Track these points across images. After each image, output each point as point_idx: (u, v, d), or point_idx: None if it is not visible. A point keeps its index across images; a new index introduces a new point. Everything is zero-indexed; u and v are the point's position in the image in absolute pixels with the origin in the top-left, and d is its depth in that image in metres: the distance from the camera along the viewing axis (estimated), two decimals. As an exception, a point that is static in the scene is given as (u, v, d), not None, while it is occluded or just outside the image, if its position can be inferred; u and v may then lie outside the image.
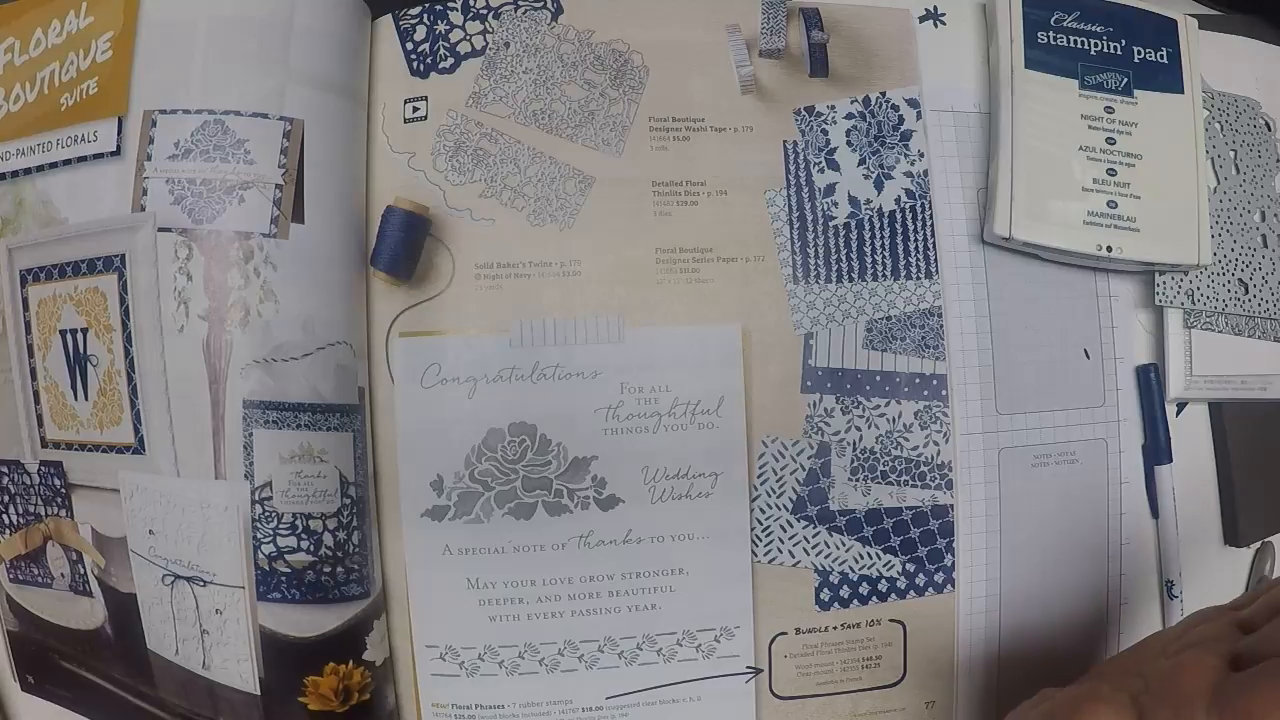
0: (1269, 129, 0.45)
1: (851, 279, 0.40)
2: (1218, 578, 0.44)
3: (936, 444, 0.40)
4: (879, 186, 0.41)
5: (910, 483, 0.40)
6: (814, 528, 0.40)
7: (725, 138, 0.40)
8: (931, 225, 0.41)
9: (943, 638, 0.41)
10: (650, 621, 0.39)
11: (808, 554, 0.40)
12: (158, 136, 0.36)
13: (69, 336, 0.37)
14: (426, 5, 0.40)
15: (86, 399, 0.37)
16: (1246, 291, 0.43)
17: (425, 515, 0.38)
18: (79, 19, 0.37)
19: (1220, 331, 0.43)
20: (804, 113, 0.41)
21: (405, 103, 0.40)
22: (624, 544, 0.39)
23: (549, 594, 0.38)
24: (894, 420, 0.40)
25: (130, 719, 0.39)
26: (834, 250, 0.40)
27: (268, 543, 0.35)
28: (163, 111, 0.36)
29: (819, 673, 0.40)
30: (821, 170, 0.41)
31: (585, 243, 0.39)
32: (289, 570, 0.36)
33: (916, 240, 0.41)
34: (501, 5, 0.40)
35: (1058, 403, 0.42)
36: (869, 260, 0.40)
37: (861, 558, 0.40)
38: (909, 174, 0.41)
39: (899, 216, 0.41)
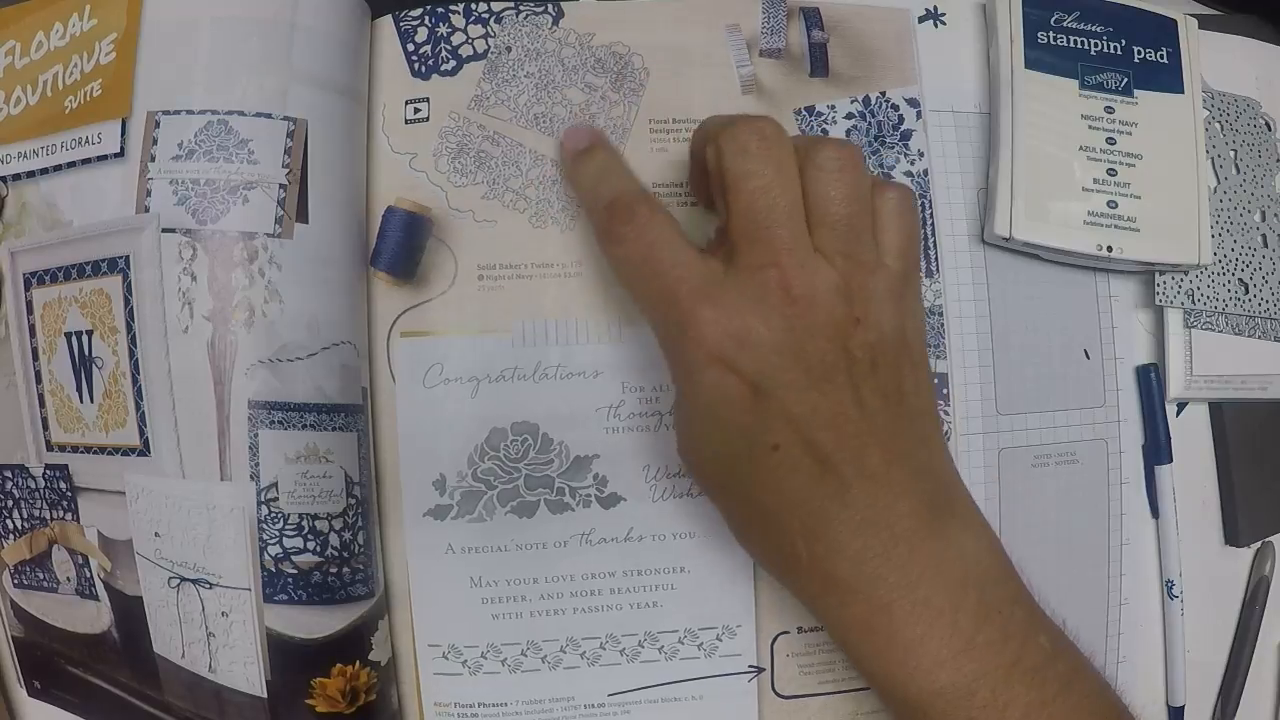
0: (1269, 129, 0.45)
1: (852, 279, 0.40)
2: (1218, 578, 0.44)
3: (937, 444, 0.40)
4: (879, 187, 0.41)
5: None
6: (815, 527, 0.40)
7: (726, 139, 0.40)
8: (932, 224, 0.41)
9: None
10: (652, 619, 0.39)
11: (809, 553, 0.40)
12: (161, 137, 0.36)
13: (74, 339, 0.37)
14: (428, 7, 0.40)
15: (92, 401, 0.37)
16: (1246, 291, 0.43)
17: (428, 515, 0.38)
18: (82, 21, 0.37)
19: (1220, 331, 0.43)
20: (804, 112, 0.41)
21: (406, 104, 0.40)
22: (625, 542, 0.39)
23: (551, 591, 0.39)
24: (895, 421, 0.40)
25: (136, 721, 0.39)
26: (834, 251, 0.40)
27: (274, 544, 0.36)
28: (166, 112, 0.36)
29: (821, 672, 0.40)
30: (822, 171, 0.41)
31: (586, 244, 0.39)
32: (295, 571, 0.36)
33: (917, 240, 0.41)
34: (503, 10, 0.40)
35: (1058, 403, 0.42)
36: (869, 261, 0.40)
37: (862, 557, 0.40)
38: (909, 174, 0.41)
39: (899, 217, 0.41)
